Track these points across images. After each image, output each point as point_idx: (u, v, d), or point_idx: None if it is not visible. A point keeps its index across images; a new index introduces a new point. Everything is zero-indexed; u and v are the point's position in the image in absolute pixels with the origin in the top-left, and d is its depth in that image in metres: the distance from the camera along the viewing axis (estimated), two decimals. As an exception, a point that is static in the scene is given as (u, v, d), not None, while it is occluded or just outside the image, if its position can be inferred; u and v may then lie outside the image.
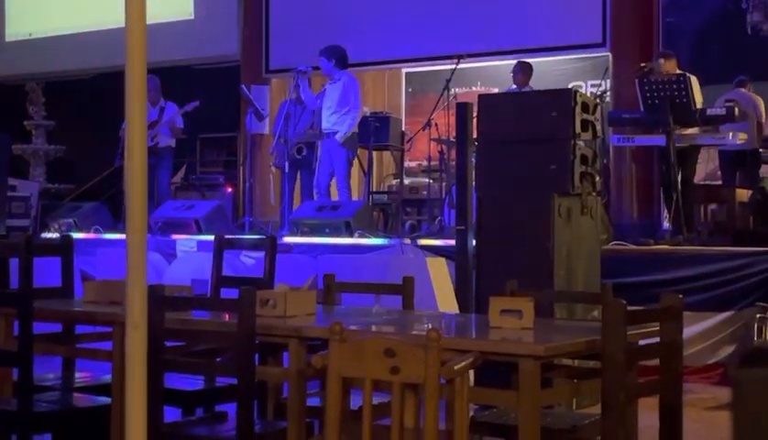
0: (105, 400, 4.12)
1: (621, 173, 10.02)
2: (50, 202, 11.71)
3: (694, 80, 8.24)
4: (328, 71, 9.41)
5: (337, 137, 9.25)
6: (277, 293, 3.95)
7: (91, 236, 9.24)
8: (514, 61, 10.15)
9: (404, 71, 12.47)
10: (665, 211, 9.06)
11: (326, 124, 9.40)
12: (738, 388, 1.39)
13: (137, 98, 2.16)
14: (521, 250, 5.76)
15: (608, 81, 9.90)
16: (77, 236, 8.47)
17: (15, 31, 14.73)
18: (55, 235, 9.35)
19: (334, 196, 9.45)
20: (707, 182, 9.49)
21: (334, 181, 9.45)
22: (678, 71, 8.42)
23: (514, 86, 9.74)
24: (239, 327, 3.53)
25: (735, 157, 8.99)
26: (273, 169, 10.12)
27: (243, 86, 10.40)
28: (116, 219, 9.80)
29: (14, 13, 14.78)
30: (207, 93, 12.27)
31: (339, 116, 9.31)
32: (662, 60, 8.66)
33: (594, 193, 6.00)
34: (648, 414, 3.72)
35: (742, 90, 9.10)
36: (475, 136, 6.45)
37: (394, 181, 11.17)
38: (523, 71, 9.72)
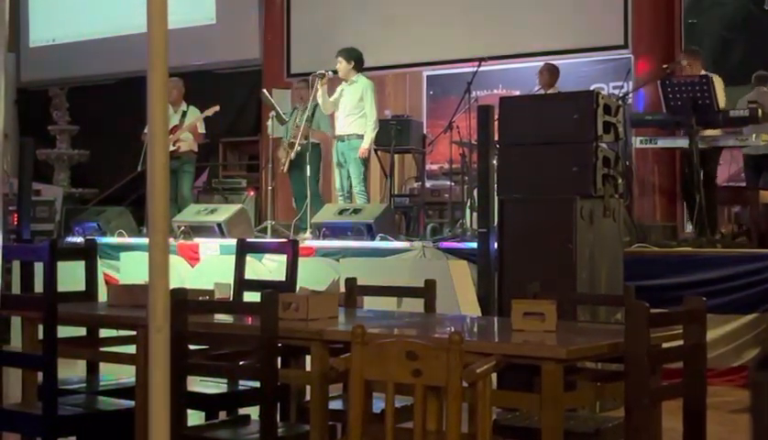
0: (129, 403, 4.14)
1: (644, 175, 9.97)
2: (74, 206, 11.75)
3: (717, 80, 8.19)
4: (346, 72, 9.42)
5: (364, 145, 9.27)
6: (299, 297, 3.97)
7: (114, 240, 9.28)
8: (536, 64, 10.12)
9: (425, 73, 12.45)
10: (688, 213, 9.01)
11: (341, 126, 9.40)
12: (756, 391, 1.38)
13: (159, 103, 2.18)
14: (544, 253, 5.75)
15: (631, 82, 9.86)
16: (101, 240, 8.52)
17: (38, 37, 14.84)
18: (79, 239, 9.40)
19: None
20: (730, 184, 9.43)
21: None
22: (703, 72, 8.37)
23: (537, 87, 9.70)
24: (262, 331, 3.54)
25: (760, 160, 8.92)
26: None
27: (264, 90, 10.43)
28: (140, 223, 9.84)
29: (37, 19, 14.89)
30: (229, 98, 12.32)
31: (355, 119, 9.32)
32: (685, 59, 8.59)
33: (616, 196, 5.98)
34: (672, 417, 3.70)
35: (764, 88, 9.02)
36: (496, 138, 6.44)
37: (416, 184, 11.16)
38: (551, 72, 9.65)
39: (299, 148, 9.39)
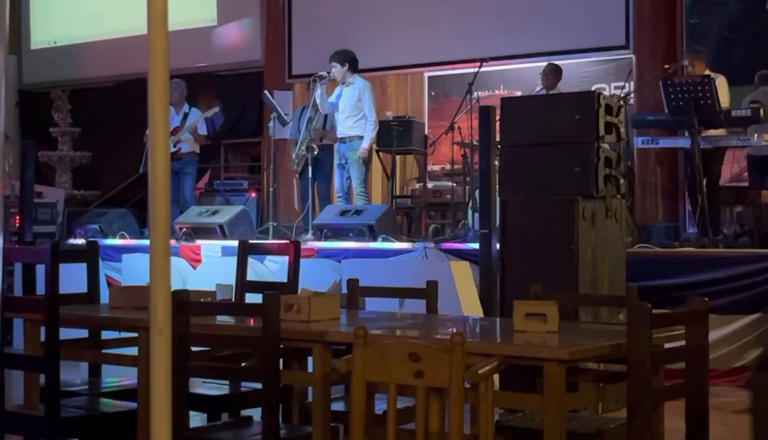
0: (132, 405, 4.15)
1: (646, 176, 9.96)
2: (76, 208, 11.75)
3: (721, 80, 8.19)
4: (342, 75, 9.42)
5: (364, 145, 9.27)
6: (301, 298, 3.96)
7: (116, 241, 9.29)
8: (537, 64, 10.11)
9: (427, 74, 12.46)
10: (691, 213, 9.00)
11: (342, 128, 9.40)
12: (756, 392, 1.38)
13: (160, 105, 2.17)
14: (546, 254, 5.75)
15: (632, 83, 9.85)
16: (103, 242, 8.52)
17: (40, 39, 14.84)
18: (81, 241, 9.40)
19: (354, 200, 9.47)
20: (733, 184, 9.42)
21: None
22: (706, 71, 8.37)
23: (539, 88, 9.69)
24: (264, 332, 3.54)
25: (765, 161, 8.90)
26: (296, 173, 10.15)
27: (266, 92, 10.43)
28: (142, 225, 9.84)
29: (39, 21, 14.89)
30: (231, 99, 12.32)
31: (356, 121, 9.32)
32: (689, 59, 8.59)
33: (618, 196, 5.98)
34: (674, 418, 3.70)
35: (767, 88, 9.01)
36: (498, 139, 6.44)
37: (417, 185, 11.16)
38: (555, 73, 9.63)
39: (316, 151, 9.39)
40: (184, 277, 8.16)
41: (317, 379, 3.68)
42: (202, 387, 4.43)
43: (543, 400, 3.20)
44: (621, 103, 6.55)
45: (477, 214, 8.06)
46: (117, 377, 4.82)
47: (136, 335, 4.21)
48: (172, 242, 8.12)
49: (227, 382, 4.52)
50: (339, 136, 9.47)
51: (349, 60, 9.43)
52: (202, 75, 12.52)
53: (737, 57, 9.89)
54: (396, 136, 9.86)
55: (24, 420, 4.08)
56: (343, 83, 9.47)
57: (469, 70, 9.75)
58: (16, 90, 14.89)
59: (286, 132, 10.19)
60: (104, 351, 4.66)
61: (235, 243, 6.00)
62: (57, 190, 13.16)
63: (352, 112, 9.36)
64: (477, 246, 7.04)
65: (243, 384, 4.49)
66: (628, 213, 7.44)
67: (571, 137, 5.81)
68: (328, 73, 9.38)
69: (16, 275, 6.84)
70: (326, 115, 9.68)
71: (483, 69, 9.43)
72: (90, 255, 4.99)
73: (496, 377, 3.56)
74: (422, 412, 2.88)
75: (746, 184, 9.19)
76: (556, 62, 9.85)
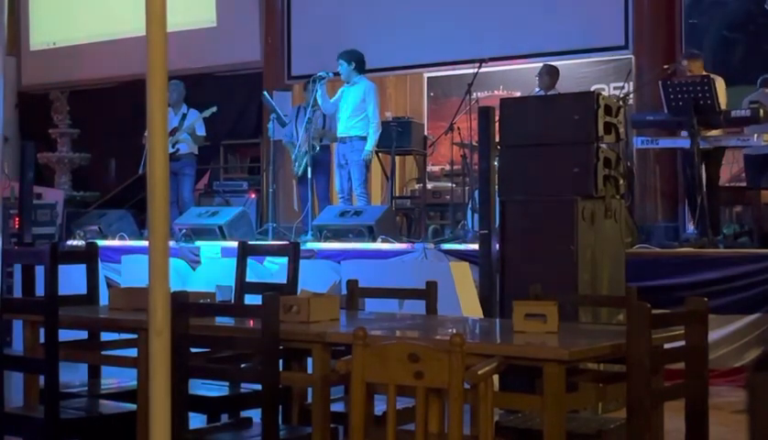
0: (131, 406, 4.14)
1: (645, 176, 9.96)
2: (76, 209, 11.75)
3: (719, 81, 8.19)
4: (347, 74, 9.43)
5: (368, 148, 9.28)
6: (300, 299, 3.96)
7: (116, 243, 9.28)
8: (536, 65, 10.11)
9: (426, 75, 12.44)
10: (690, 213, 9.00)
11: (343, 128, 9.40)
12: (753, 391, 1.38)
13: (159, 106, 2.17)
14: (545, 254, 5.75)
15: (631, 83, 9.85)
16: (102, 243, 8.52)
17: (39, 40, 14.84)
18: (80, 242, 9.40)
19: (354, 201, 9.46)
20: (732, 184, 9.42)
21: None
22: (704, 73, 8.37)
23: (537, 89, 9.69)
24: (263, 333, 3.54)
25: (762, 160, 8.91)
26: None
27: (265, 93, 10.42)
28: (141, 226, 9.83)
29: (38, 22, 14.88)
30: (230, 100, 12.31)
31: (357, 121, 9.32)
32: (686, 62, 8.61)
33: (617, 196, 5.98)
34: (674, 418, 3.70)
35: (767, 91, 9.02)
36: (497, 139, 6.44)
37: (417, 186, 11.15)
38: (550, 74, 9.65)
39: (317, 148, 9.39)
40: (184, 278, 8.16)
41: (317, 380, 3.68)
42: (202, 388, 4.43)
43: (543, 400, 3.19)
44: (620, 103, 6.55)
45: (476, 215, 8.05)
46: (117, 378, 4.82)
47: (135, 336, 4.21)
48: (171, 243, 8.12)
49: (227, 384, 4.52)
50: (339, 135, 9.46)
51: (356, 59, 9.45)
52: (201, 76, 12.51)
53: (736, 57, 9.88)
54: (395, 136, 9.85)
55: (23, 421, 4.08)
56: (347, 82, 9.47)
57: (469, 70, 9.74)
58: (16, 91, 14.88)
59: (285, 133, 10.18)
60: (103, 353, 4.66)
61: (234, 244, 6.00)
62: (56, 191, 13.15)
63: (354, 112, 9.36)
64: (476, 246, 7.04)
65: (242, 385, 4.49)
66: (627, 213, 7.44)
67: (570, 138, 5.81)
68: (327, 73, 9.37)
69: (15, 276, 6.85)
70: (324, 116, 9.67)
71: (482, 69, 9.42)
72: (89, 256, 4.99)
73: (495, 377, 3.55)
74: (422, 413, 2.88)
75: (745, 184, 9.19)
76: (553, 63, 9.85)
